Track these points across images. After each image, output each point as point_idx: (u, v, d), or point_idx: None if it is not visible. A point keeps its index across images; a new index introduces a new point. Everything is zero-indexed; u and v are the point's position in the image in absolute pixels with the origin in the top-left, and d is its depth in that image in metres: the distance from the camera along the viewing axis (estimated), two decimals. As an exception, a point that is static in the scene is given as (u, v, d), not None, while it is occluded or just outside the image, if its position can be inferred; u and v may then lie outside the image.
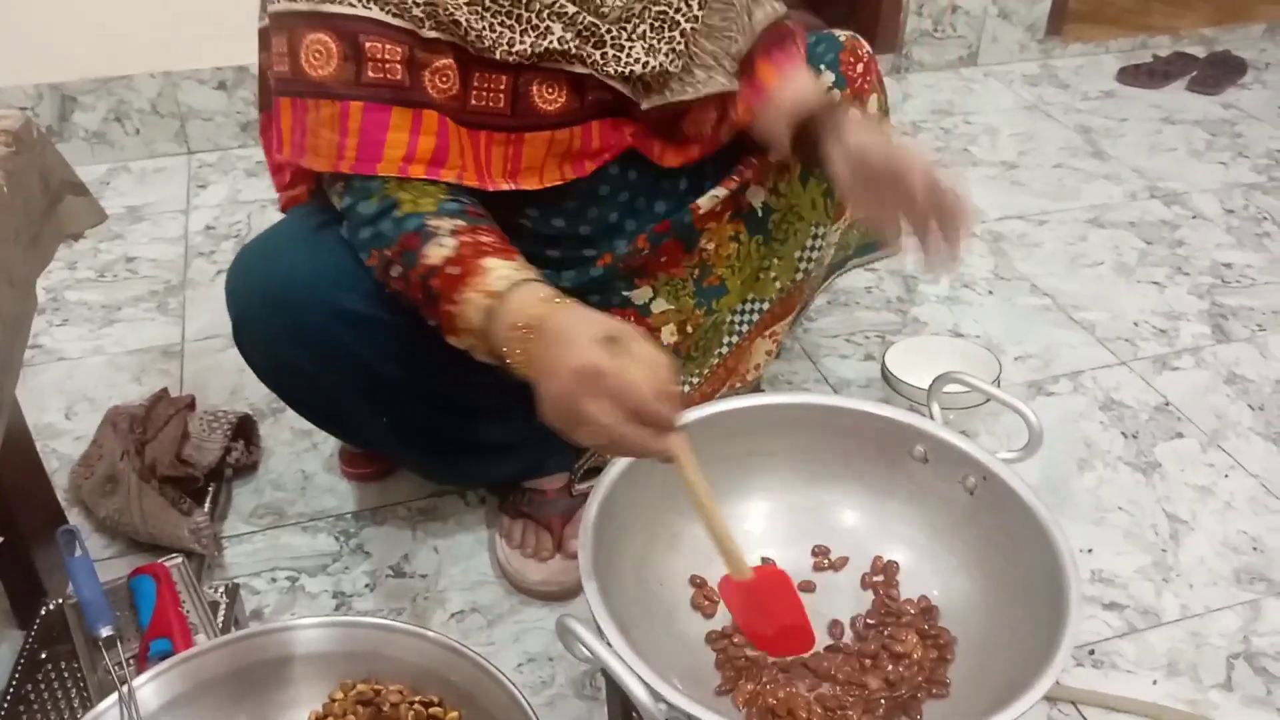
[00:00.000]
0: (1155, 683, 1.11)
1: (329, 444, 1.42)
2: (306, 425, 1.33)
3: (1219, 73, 2.59)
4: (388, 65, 0.92)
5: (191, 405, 1.42)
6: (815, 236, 1.23)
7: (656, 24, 1.03)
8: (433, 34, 0.93)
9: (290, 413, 1.39)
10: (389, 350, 1.03)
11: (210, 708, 0.90)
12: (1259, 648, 1.15)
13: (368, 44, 0.91)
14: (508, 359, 0.86)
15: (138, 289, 1.76)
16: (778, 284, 1.25)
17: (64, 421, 1.47)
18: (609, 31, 1.00)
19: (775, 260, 1.24)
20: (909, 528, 1.05)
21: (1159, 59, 2.66)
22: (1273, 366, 1.61)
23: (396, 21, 0.92)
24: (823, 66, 1.18)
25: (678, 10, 1.03)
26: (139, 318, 1.69)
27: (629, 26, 1.01)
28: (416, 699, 0.91)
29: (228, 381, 1.54)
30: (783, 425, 1.07)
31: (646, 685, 0.74)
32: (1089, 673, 1.12)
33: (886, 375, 1.44)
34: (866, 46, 1.22)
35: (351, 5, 0.91)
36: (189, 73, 2.07)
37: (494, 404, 1.14)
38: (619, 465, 0.96)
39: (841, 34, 1.21)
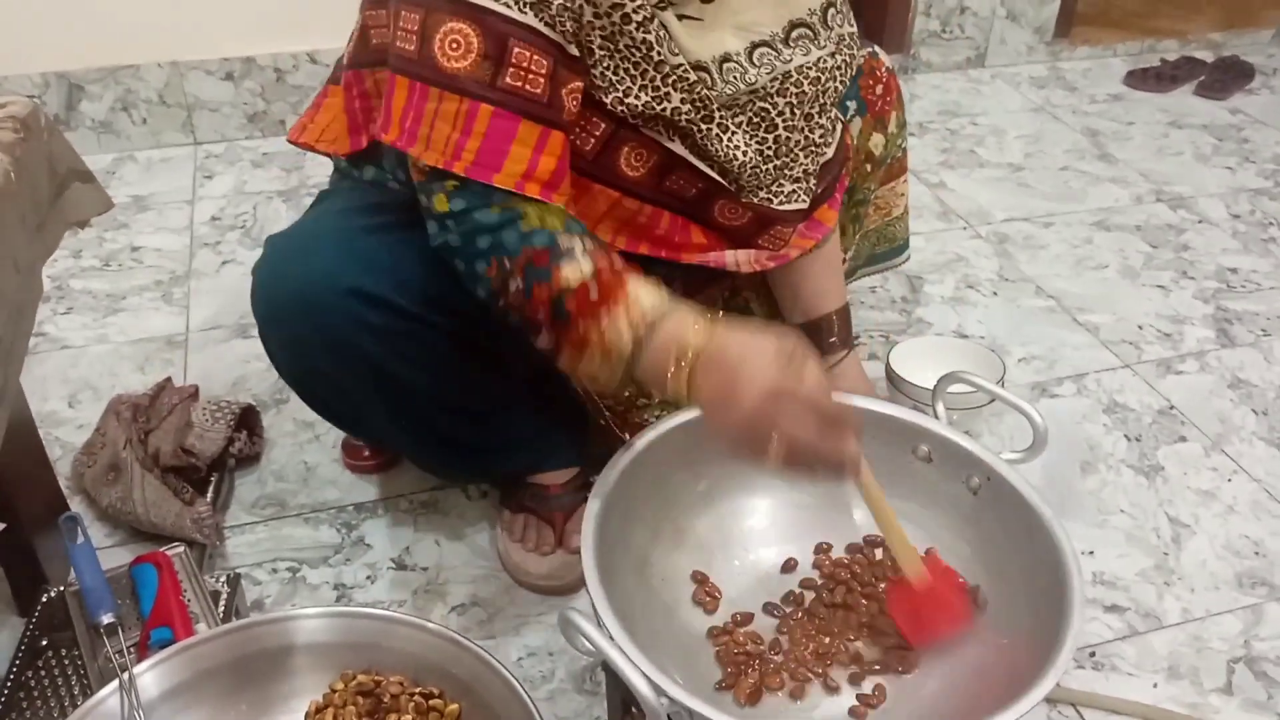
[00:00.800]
0: (1156, 686, 1.11)
1: (331, 435, 1.42)
2: (309, 416, 1.33)
3: (1226, 77, 2.59)
4: (530, 76, 0.88)
5: (195, 395, 1.42)
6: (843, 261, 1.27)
7: (755, 119, 1.03)
8: (575, 53, 0.91)
9: (293, 404, 1.39)
10: (414, 358, 1.02)
11: (211, 696, 0.90)
12: (1260, 652, 1.15)
13: (516, 49, 0.86)
14: (664, 386, 0.86)
15: (142, 278, 1.76)
16: None
17: (67, 410, 1.47)
18: (718, 110, 0.99)
19: None
20: (913, 526, 1.04)
21: (1166, 63, 2.66)
22: (1277, 371, 1.61)
23: (549, 33, 0.88)
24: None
25: (779, 114, 1.03)
26: (143, 307, 1.70)
27: (732, 112, 1.01)
28: (417, 690, 0.91)
29: (231, 372, 1.54)
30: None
31: (648, 678, 0.74)
32: (1089, 674, 1.12)
33: (891, 375, 1.44)
34: (886, 62, 1.22)
35: (507, 5, 0.86)
36: (196, 63, 2.07)
37: (504, 401, 1.14)
38: (622, 461, 0.96)
39: (861, 51, 1.19)
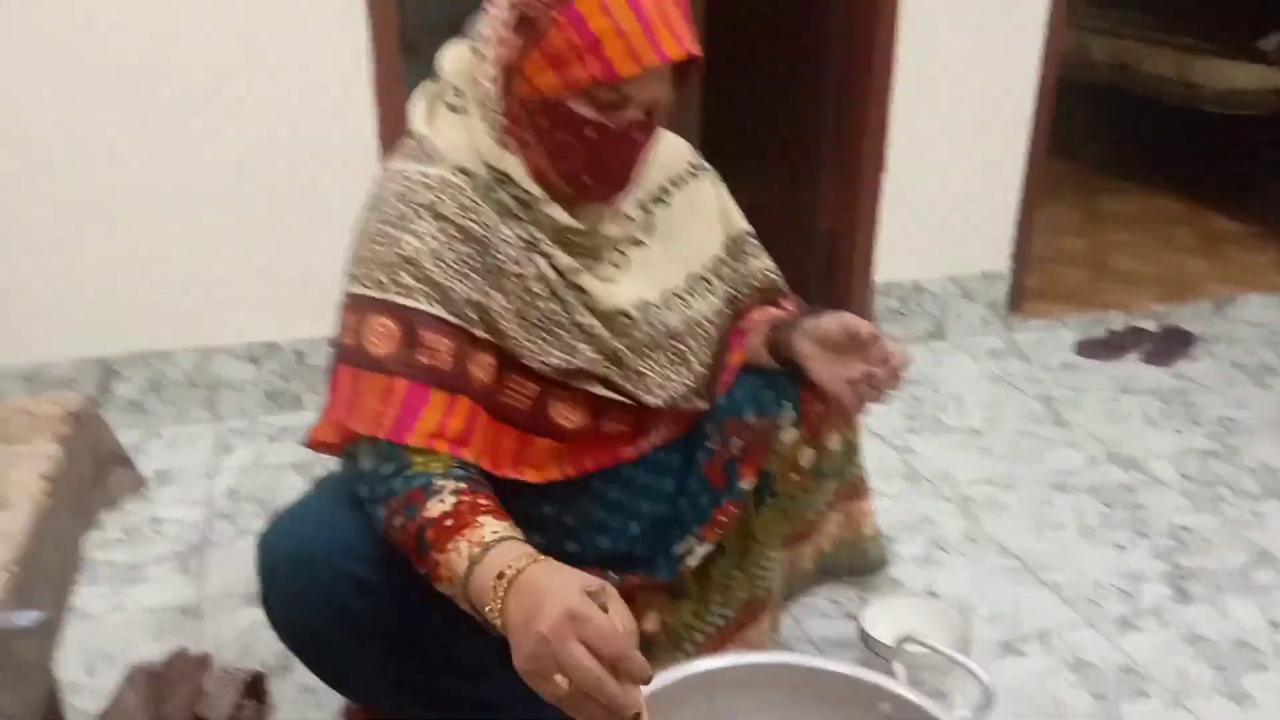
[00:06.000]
0: None
1: (333, 701, 1.49)
2: (312, 682, 1.41)
3: (1170, 345, 2.80)
4: (439, 354, 1.08)
5: (207, 663, 1.51)
6: (769, 559, 1.36)
7: (673, 357, 1.23)
8: (483, 335, 1.11)
9: (298, 670, 1.47)
10: (393, 612, 1.14)
11: None
12: None
13: (423, 333, 1.07)
14: (487, 609, 0.91)
15: (161, 549, 1.88)
16: (740, 594, 1.37)
17: (85, 678, 1.55)
18: (629, 356, 1.19)
19: (736, 573, 1.36)
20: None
21: (1114, 333, 2.88)
22: (1231, 626, 1.70)
23: (453, 320, 1.09)
24: (787, 403, 1.34)
25: (692, 353, 1.24)
26: (161, 577, 1.80)
27: (648, 354, 1.20)
28: None
29: (241, 640, 1.62)
30: (762, 683, 1.16)
31: None
32: None
33: (863, 635, 1.53)
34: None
35: (416, 300, 1.07)
36: (223, 347, 2.27)
37: (488, 662, 1.23)
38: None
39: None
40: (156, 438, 2.25)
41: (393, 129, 2.21)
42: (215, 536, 1.91)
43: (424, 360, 1.07)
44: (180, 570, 1.82)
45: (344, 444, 1.28)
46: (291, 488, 2.06)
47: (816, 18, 2.68)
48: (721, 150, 2.17)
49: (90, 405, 1.38)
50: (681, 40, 1.04)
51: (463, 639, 1.14)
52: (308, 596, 1.12)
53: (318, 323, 2.30)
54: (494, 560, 0.94)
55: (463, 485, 1.04)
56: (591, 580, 0.88)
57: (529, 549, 0.95)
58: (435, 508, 1.01)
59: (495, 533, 0.97)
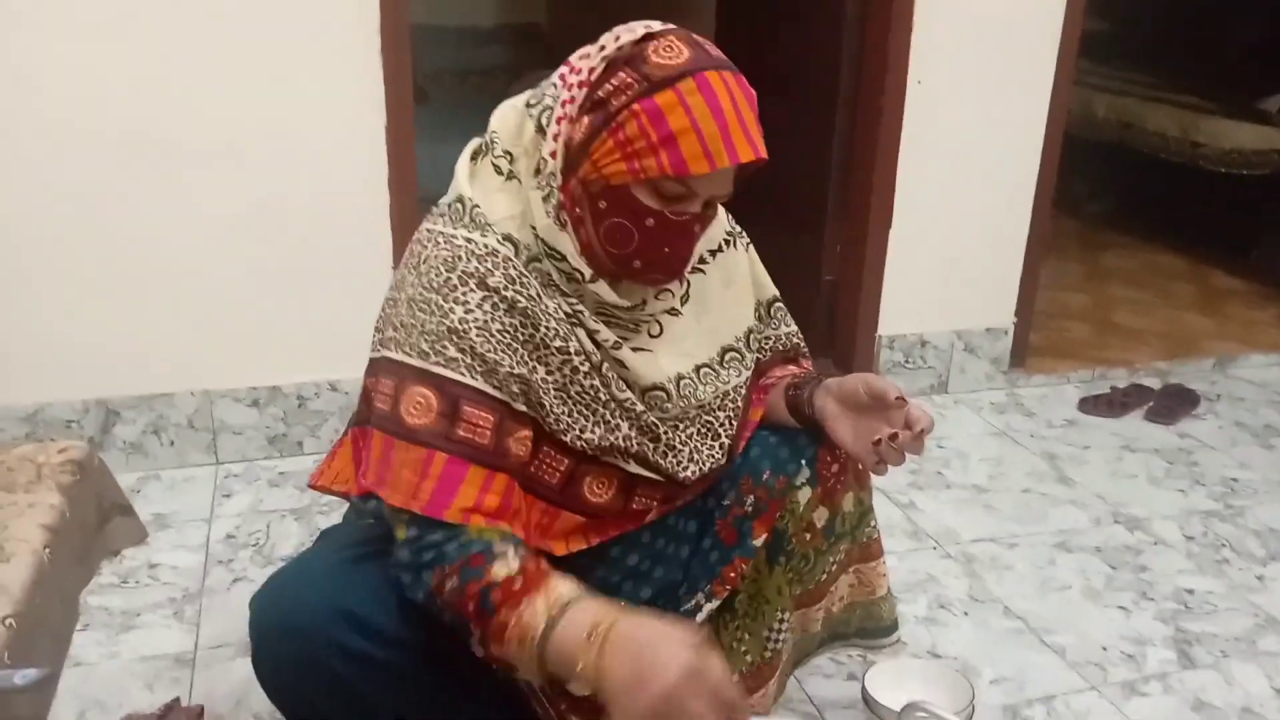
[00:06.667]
0: None
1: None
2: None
3: (1174, 403, 2.80)
4: (479, 429, 1.06)
5: (200, 715, 1.49)
6: (781, 620, 1.34)
7: (704, 431, 1.22)
8: (522, 408, 1.10)
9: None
10: (386, 683, 1.12)
11: None
12: None
13: (466, 407, 1.06)
14: (578, 667, 0.93)
15: (157, 595, 1.86)
16: (748, 657, 1.35)
17: (77, 728, 1.53)
18: (665, 432, 1.19)
19: (746, 635, 1.34)
20: None
21: (1117, 390, 2.88)
22: (1238, 693, 1.68)
23: (496, 393, 1.07)
24: (803, 462, 1.32)
25: (721, 425, 1.23)
26: (155, 624, 1.78)
27: (681, 428, 1.20)
28: None
29: (235, 690, 1.60)
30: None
31: None
32: None
33: (866, 698, 1.51)
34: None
35: (459, 372, 1.06)
36: (225, 391, 2.27)
37: None
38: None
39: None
40: (156, 480, 2.24)
41: (404, 179, 2.22)
42: (211, 583, 1.90)
43: (463, 434, 1.06)
44: (176, 618, 1.80)
45: (348, 495, 1.28)
46: (289, 534, 2.04)
47: (824, 70, 2.71)
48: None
49: (93, 454, 1.38)
50: (755, 144, 1.05)
51: (458, 707, 1.13)
52: (298, 666, 1.10)
53: (320, 368, 2.30)
54: (578, 618, 0.96)
55: (525, 551, 1.05)
56: (688, 630, 0.91)
57: (610, 603, 0.97)
58: (500, 571, 1.01)
59: (573, 591, 0.99)
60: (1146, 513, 2.27)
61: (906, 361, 2.75)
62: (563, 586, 1.00)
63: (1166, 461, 2.52)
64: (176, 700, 1.51)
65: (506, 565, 1.02)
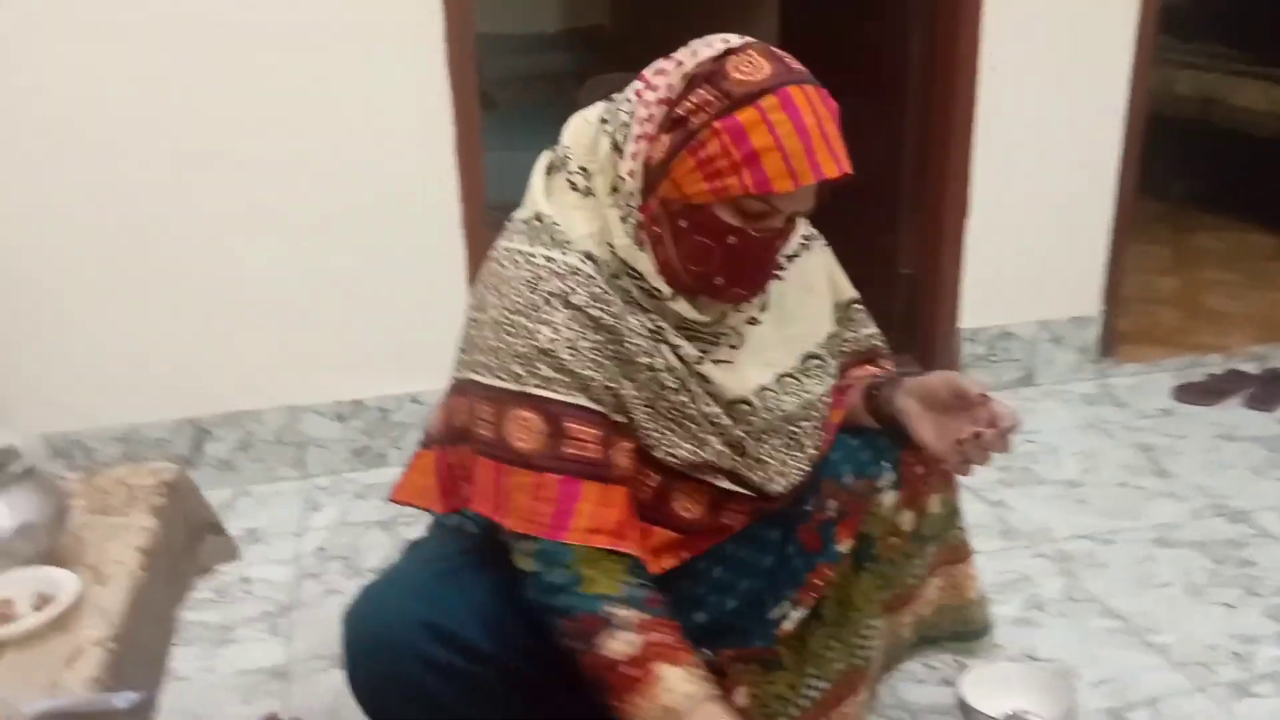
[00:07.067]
0: None
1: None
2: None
3: (1274, 389, 2.69)
4: (586, 444, 1.06)
5: (296, 728, 1.51)
6: (869, 626, 1.31)
7: (790, 443, 1.20)
8: (621, 419, 1.10)
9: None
10: (475, 697, 1.13)
11: None
12: None
13: (570, 424, 1.05)
14: None
15: (251, 610, 1.90)
16: (838, 665, 1.31)
17: (178, 743, 1.56)
18: (752, 446, 1.17)
19: (834, 643, 1.31)
20: None
21: (1213, 376, 2.78)
22: (1357, 694, 1.61)
23: (596, 406, 1.07)
24: (886, 465, 1.29)
25: (807, 436, 1.21)
26: (250, 638, 1.82)
27: (766, 439, 1.18)
28: None
29: (329, 702, 1.62)
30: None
31: None
32: None
33: (962, 705, 1.47)
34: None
35: (556, 391, 1.05)
36: (310, 406, 2.31)
37: None
38: None
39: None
40: (246, 496, 2.29)
41: (473, 188, 2.23)
42: (303, 596, 1.93)
43: (572, 451, 1.06)
44: (270, 631, 1.83)
45: (429, 510, 1.28)
46: (377, 545, 2.07)
47: (894, 60, 2.66)
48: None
49: (184, 474, 1.41)
50: (839, 160, 1.02)
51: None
52: (389, 679, 1.11)
53: (401, 381, 2.33)
54: None
55: (642, 616, 1.04)
56: None
57: (726, 714, 0.99)
58: (614, 647, 1.03)
59: (686, 695, 1.00)
60: (1249, 504, 2.18)
61: (990, 355, 2.68)
62: (674, 683, 1.01)
63: (1268, 450, 2.41)
64: (273, 715, 1.53)
65: (619, 641, 1.02)
